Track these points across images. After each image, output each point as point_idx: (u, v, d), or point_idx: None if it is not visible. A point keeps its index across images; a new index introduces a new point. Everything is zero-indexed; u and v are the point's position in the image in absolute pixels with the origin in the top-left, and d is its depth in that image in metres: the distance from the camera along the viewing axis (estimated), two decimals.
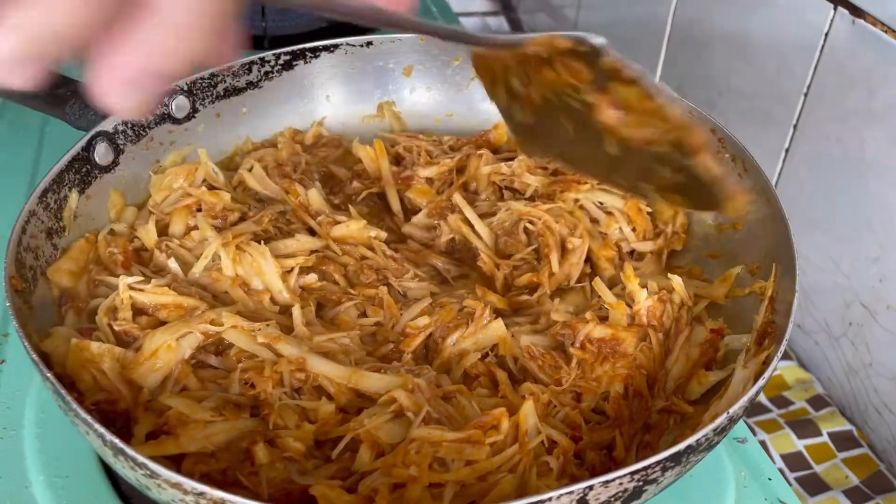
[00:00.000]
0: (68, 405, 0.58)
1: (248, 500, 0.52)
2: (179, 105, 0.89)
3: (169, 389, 0.67)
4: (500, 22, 1.76)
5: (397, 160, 0.94)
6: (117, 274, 0.76)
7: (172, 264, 0.78)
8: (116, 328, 0.71)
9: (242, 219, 0.84)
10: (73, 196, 0.79)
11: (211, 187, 0.87)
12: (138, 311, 0.73)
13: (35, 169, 1.06)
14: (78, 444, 0.74)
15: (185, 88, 0.89)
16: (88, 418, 0.56)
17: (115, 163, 0.83)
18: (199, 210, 0.84)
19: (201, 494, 0.53)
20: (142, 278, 0.75)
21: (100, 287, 0.76)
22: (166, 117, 0.88)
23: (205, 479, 0.62)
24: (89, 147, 0.81)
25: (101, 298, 0.74)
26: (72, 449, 0.74)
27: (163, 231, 0.82)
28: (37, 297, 0.73)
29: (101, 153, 0.82)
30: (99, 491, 0.71)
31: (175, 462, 0.63)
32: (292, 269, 0.78)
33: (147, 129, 0.86)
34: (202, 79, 0.91)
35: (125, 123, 0.84)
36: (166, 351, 0.68)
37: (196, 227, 0.82)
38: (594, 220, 0.87)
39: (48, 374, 0.59)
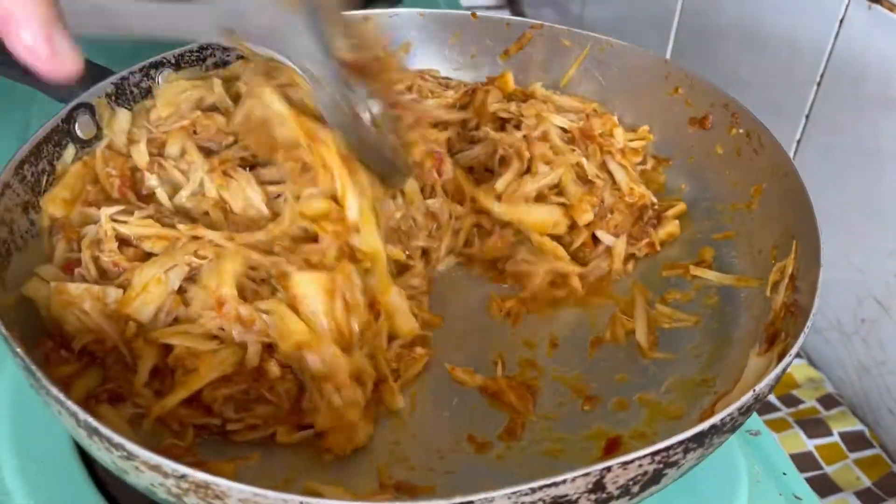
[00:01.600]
0: (39, 382, 0.55)
1: (233, 482, 0.49)
2: (167, 79, 0.85)
3: (162, 321, 0.67)
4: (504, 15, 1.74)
5: None
6: (114, 198, 0.75)
7: (160, 193, 0.76)
8: (105, 259, 0.70)
9: (237, 143, 0.80)
10: (70, 150, 0.77)
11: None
12: (123, 242, 0.71)
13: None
14: (53, 429, 0.70)
15: (173, 62, 0.86)
16: (61, 396, 0.53)
17: (97, 136, 0.79)
18: (196, 133, 0.81)
19: (182, 477, 0.50)
20: (122, 207, 0.73)
21: (91, 212, 0.74)
22: (153, 92, 0.84)
23: (229, 400, 0.66)
24: (69, 119, 0.77)
25: (92, 226, 0.72)
26: (46, 433, 0.71)
27: (160, 148, 0.79)
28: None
29: (83, 126, 0.78)
30: (73, 476, 0.69)
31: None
32: (279, 195, 0.75)
33: (132, 103, 0.83)
34: (190, 52, 0.87)
35: (108, 95, 0.80)
36: (156, 284, 0.67)
37: None
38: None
39: (18, 350, 0.56)
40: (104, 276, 0.70)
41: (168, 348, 0.66)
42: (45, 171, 0.74)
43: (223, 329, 0.67)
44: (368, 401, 0.67)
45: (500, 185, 0.83)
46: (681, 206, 0.86)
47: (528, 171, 0.84)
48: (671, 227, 0.85)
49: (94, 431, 0.52)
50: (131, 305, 0.67)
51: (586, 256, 0.83)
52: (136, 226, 0.71)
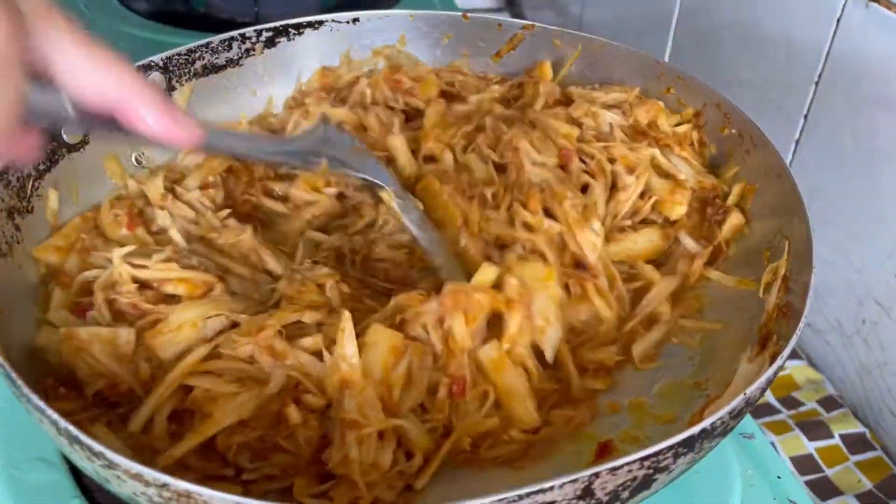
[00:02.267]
0: (20, 390, 0.54)
1: (217, 491, 0.49)
2: (154, 81, 0.85)
3: (184, 364, 0.65)
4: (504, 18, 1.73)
5: (442, 94, 0.93)
6: (119, 237, 0.76)
7: (174, 234, 0.76)
8: (123, 301, 0.69)
9: None
10: (53, 196, 0.76)
11: None
12: (141, 284, 0.71)
13: None
14: (39, 436, 0.69)
15: (161, 64, 0.85)
16: (42, 404, 0.53)
17: (84, 142, 0.79)
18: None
19: (164, 486, 0.49)
20: (134, 248, 0.72)
21: (92, 257, 0.74)
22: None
23: (243, 448, 0.62)
24: None
25: (96, 270, 0.72)
26: (33, 441, 0.70)
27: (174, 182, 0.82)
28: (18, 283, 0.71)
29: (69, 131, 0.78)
30: (60, 484, 0.68)
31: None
32: None
33: None
34: (179, 55, 0.86)
35: None
36: (191, 328, 0.67)
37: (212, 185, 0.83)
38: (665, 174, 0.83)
39: None
40: (119, 319, 0.69)
41: (188, 390, 0.65)
42: (30, 175, 0.74)
43: (252, 360, 0.65)
44: (405, 472, 0.63)
45: (600, 208, 0.80)
46: (739, 187, 0.81)
47: (613, 185, 0.82)
48: (735, 219, 0.79)
49: (74, 440, 0.52)
50: (158, 339, 0.66)
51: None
52: (157, 270, 0.71)
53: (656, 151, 0.83)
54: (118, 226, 0.77)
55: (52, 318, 0.69)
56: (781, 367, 0.58)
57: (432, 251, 0.77)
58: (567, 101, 0.92)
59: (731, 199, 0.81)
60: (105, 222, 0.77)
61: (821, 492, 0.88)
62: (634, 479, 0.52)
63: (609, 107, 0.88)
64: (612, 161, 0.82)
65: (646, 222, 0.82)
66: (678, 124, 0.87)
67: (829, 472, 0.90)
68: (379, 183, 0.77)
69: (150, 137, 0.57)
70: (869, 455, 0.92)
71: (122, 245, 0.73)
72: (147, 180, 0.81)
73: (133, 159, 0.85)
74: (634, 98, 0.89)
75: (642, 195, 0.81)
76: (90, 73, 0.53)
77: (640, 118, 0.86)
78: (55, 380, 0.66)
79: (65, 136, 0.77)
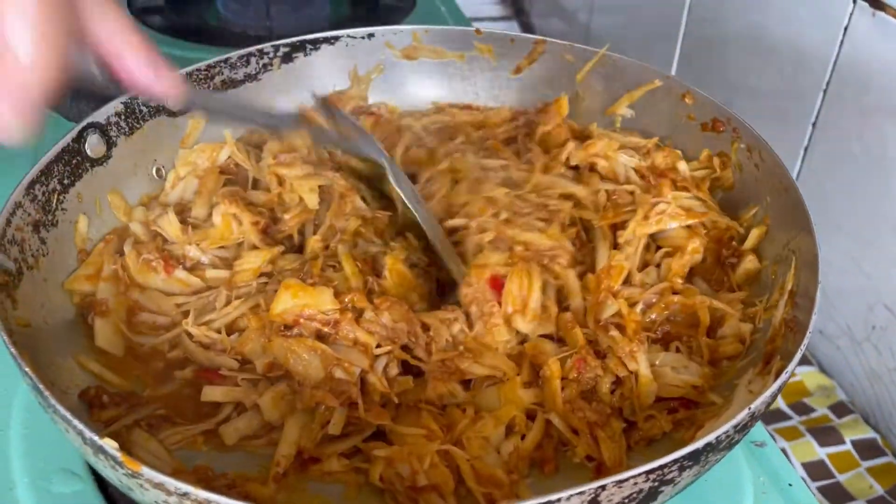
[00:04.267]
0: (47, 401, 0.56)
1: (234, 500, 0.50)
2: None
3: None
4: (512, 27, 1.74)
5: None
6: (162, 285, 0.78)
7: (212, 273, 0.79)
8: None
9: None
10: (83, 221, 0.79)
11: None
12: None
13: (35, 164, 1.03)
14: (65, 446, 0.70)
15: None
16: (68, 415, 0.54)
17: (107, 156, 0.81)
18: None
19: (185, 495, 0.51)
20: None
21: (143, 316, 0.77)
22: (161, 110, 0.85)
23: None
24: (80, 138, 0.78)
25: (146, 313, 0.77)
26: (59, 451, 0.71)
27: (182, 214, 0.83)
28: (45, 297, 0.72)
29: (93, 145, 0.79)
30: (85, 495, 0.69)
31: None
32: None
33: (141, 122, 0.84)
34: (198, 70, 0.88)
35: (118, 115, 0.81)
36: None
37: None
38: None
39: (26, 369, 0.57)
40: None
41: None
42: (55, 190, 0.75)
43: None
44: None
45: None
46: (757, 231, 0.79)
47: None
48: (749, 262, 0.78)
49: (99, 449, 0.53)
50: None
51: None
52: (223, 315, 0.75)
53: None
54: (153, 272, 0.77)
55: (104, 346, 0.73)
56: (787, 382, 0.59)
57: (425, 225, 0.78)
58: (584, 136, 0.91)
59: (749, 244, 0.79)
60: (136, 270, 0.78)
61: (833, 498, 0.88)
62: (640, 491, 0.53)
63: (625, 148, 0.88)
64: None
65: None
66: (697, 169, 0.87)
67: (840, 477, 0.91)
68: (375, 157, 0.79)
69: (132, 89, 0.58)
70: (880, 460, 0.92)
71: (168, 294, 0.78)
72: (159, 219, 0.81)
73: (153, 171, 0.86)
74: (653, 145, 0.88)
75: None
76: (98, 23, 0.55)
77: (658, 162, 0.86)
78: (97, 388, 0.68)
79: (88, 152, 0.79)
